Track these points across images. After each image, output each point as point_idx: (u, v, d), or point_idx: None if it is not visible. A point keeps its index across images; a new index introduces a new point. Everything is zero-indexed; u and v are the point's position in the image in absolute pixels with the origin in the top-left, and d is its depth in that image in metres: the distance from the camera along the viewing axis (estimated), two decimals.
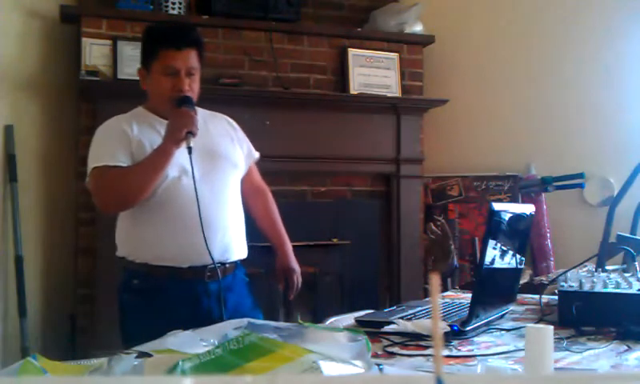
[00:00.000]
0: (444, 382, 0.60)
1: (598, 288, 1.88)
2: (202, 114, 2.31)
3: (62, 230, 3.76)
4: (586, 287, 1.89)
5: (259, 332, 1.33)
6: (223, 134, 2.35)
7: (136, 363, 1.29)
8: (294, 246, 2.50)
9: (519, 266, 2.01)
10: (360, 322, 1.89)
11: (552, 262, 4.14)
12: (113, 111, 2.34)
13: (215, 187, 2.22)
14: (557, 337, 1.46)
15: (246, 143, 2.42)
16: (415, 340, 1.68)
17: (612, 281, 1.95)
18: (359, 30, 4.20)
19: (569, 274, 2.07)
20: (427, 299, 2.58)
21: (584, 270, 2.21)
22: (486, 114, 4.42)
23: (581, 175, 4.08)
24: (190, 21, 3.69)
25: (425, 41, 4.27)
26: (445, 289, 3.16)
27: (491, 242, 1.74)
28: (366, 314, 2.01)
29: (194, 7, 3.86)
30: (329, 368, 1.16)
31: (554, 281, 2.57)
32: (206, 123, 2.31)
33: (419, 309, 2.01)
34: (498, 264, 1.81)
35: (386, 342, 1.68)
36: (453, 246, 3.89)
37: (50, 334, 3.70)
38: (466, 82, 4.44)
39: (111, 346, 2.11)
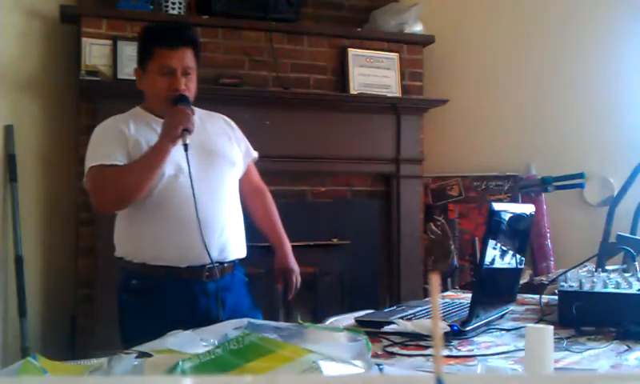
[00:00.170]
0: (444, 382, 0.60)
1: (598, 288, 1.88)
2: (199, 113, 2.32)
3: (62, 230, 3.76)
4: (586, 287, 1.89)
5: (259, 332, 1.33)
6: (221, 132, 2.35)
7: (136, 363, 1.29)
8: (293, 246, 2.50)
9: (519, 266, 2.01)
10: (360, 322, 1.89)
11: (552, 262, 4.14)
12: (113, 111, 2.34)
13: (212, 185, 2.22)
14: (557, 337, 1.46)
15: (244, 142, 2.42)
16: (415, 340, 1.68)
17: (612, 281, 1.95)
18: (359, 30, 4.20)
19: (569, 274, 2.07)
20: (427, 299, 2.58)
21: (584, 270, 2.21)
22: (486, 114, 4.42)
23: (581, 175, 4.08)
24: (190, 21, 3.69)
25: (425, 41, 4.27)
26: (445, 289, 3.16)
27: (491, 242, 1.74)
28: (366, 314, 2.01)
29: (194, 7, 3.86)
30: (329, 368, 1.16)
31: (553, 281, 2.57)
32: (203, 122, 2.31)
33: (419, 309, 2.01)
34: (498, 264, 1.81)
35: (386, 342, 1.68)
36: (453, 246, 3.89)
37: (49, 334, 3.70)
38: (466, 82, 4.44)
39: (111, 346, 2.11)
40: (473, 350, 1.62)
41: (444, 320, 1.80)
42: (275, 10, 3.88)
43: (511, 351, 1.60)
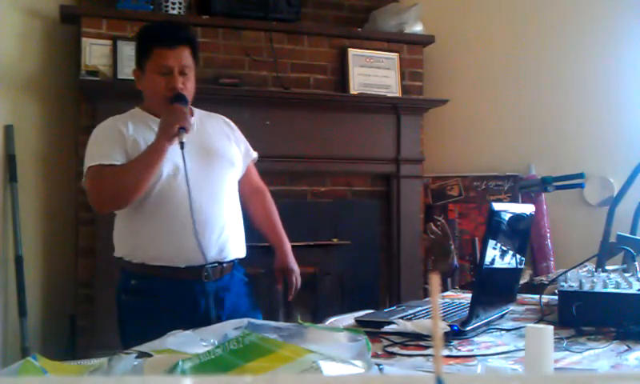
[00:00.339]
0: (444, 382, 0.60)
1: (598, 288, 1.88)
2: (198, 114, 2.33)
3: (62, 230, 3.76)
4: (586, 287, 1.89)
5: (259, 332, 1.33)
6: (220, 133, 2.35)
7: (136, 363, 1.29)
8: (294, 246, 2.49)
9: (519, 266, 2.01)
10: (360, 322, 1.89)
11: (552, 262, 4.14)
12: (113, 111, 2.34)
13: (211, 185, 2.22)
14: (557, 337, 1.46)
15: (244, 143, 2.42)
16: (415, 340, 1.68)
17: (612, 281, 1.95)
18: (359, 29, 4.20)
19: (569, 274, 2.07)
20: (427, 299, 2.58)
21: (584, 270, 2.21)
22: (486, 114, 4.42)
23: (581, 175, 4.08)
24: (190, 21, 3.69)
25: (425, 41, 4.27)
26: (445, 289, 3.16)
27: (491, 242, 1.74)
28: (366, 314, 2.01)
29: (194, 7, 3.87)
30: (329, 368, 1.16)
31: (554, 281, 2.58)
32: (203, 122, 2.32)
33: (419, 309, 2.01)
34: (498, 264, 1.81)
35: (386, 342, 1.68)
36: (453, 246, 3.89)
37: (49, 334, 3.70)
38: (465, 82, 4.44)
39: (111, 346, 2.11)
40: (473, 350, 1.62)
41: (444, 320, 1.80)
42: (275, 10, 3.88)
43: (511, 351, 1.59)
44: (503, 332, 1.81)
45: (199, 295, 2.18)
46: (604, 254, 2.43)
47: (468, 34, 4.44)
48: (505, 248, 1.82)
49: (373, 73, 4.10)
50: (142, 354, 1.38)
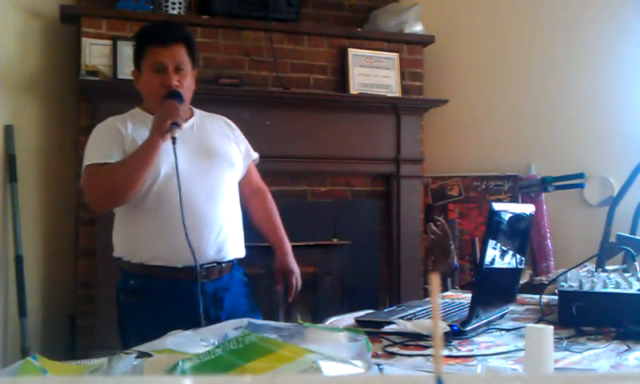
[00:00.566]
0: (444, 382, 0.60)
1: (598, 288, 1.88)
2: (198, 114, 2.34)
3: (62, 230, 3.76)
4: (586, 287, 1.89)
5: (259, 332, 1.33)
6: (220, 133, 2.35)
7: (136, 363, 1.29)
8: (294, 246, 2.49)
9: (519, 266, 2.01)
10: (360, 322, 1.89)
11: (552, 262, 4.14)
12: (113, 111, 2.34)
13: (210, 185, 2.22)
14: (557, 337, 1.46)
15: (244, 143, 2.42)
16: (415, 340, 1.68)
17: (612, 281, 1.95)
18: (359, 29, 4.20)
19: (569, 273, 2.07)
20: (427, 299, 2.58)
21: (584, 269, 2.21)
22: (486, 114, 4.42)
23: (581, 175, 4.08)
24: (190, 21, 3.69)
25: (425, 41, 4.27)
26: (445, 289, 3.16)
27: (491, 242, 1.74)
28: (366, 314, 2.01)
29: (194, 7, 3.87)
30: (329, 368, 1.16)
31: (554, 281, 2.57)
32: (203, 122, 2.32)
33: (419, 309, 2.01)
34: (498, 264, 1.81)
35: (385, 342, 1.68)
36: (453, 246, 3.89)
37: (49, 334, 3.70)
38: (466, 82, 4.44)
39: (111, 346, 2.12)
40: (473, 350, 1.62)
41: (444, 320, 1.80)
42: (275, 10, 3.88)
43: (511, 351, 1.59)
44: (503, 332, 1.81)
45: (198, 295, 2.18)
46: (604, 254, 2.43)
47: (468, 33, 4.44)
48: (505, 248, 1.82)
49: (373, 73, 4.10)
50: (142, 354, 1.37)
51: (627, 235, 2.59)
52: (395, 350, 1.62)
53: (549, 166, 4.25)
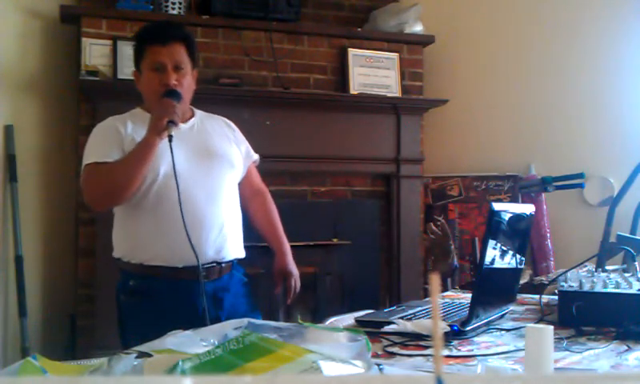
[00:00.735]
0: (444, 382, 0.60)
1: (598, 288, 1.88)
2: (199, 115, 2.34)
3: (62, 230, 3.76)
4: (586, 287, 1.89)
5: (259, 332, 1.33)
6: (221, 134, 2.35)
7: (136, 363, 1.29)
8: (294, 246, 2.49)
9: (519, 266, 2.01)
10: (360, 322, 1.89)
11: (552, 262, 4.14)
12: (113, 111, 2.34)
13: (210, 185, 2.22)
14: (557, 337, 1.46)
15: (245, 144, 2.42)
16: (415, 340, 1.68)
17: (612, 281, 1.95)
18: (359, 29, 4.20)
19: (569, 274, 2.07)
20: (427, 299, 2.58)
21: (584, 270, 2.21)
22: (486, 114, 4.42)
23: (581, 175, 4.08)
24: (190, 21, 3.69)
25: (425, 41, 4.27)
26: (445, 289, 3.16)
27: (491, 242, 1.74)
28: (366, 314, 2.01)
29: (194, 7, 3.87)
30: (329, 368, 1.16)
31: (553, 281, 2.57)
32: (204, 123, 2.32)
33: (419, 309, 2.01)
34: (498, 264, 1.81)
35: (385, 342, 1.68)
36: (453, 246, 3.89)
37: (49, 334, 3.70)
38: (466, 82, 4.44)
39: (111, 346, 2.12)
40: (473, 350, 1.62)
41: (444, 320, 1.80)
42: (275, 10, 3.88)
43: (511, 351, 1.59)
44: (503, 332, 1.81)
45: (198, 295, 2.17)
46: (604, 254, 2.43)
47: (468, 33, 4.44)
48: (505, 248, 1.82)
49: (373, 73, 4.10)
50: (142, 354, 1.38)
51: (627, 235, 2.59)
52: (395, 349, 1.62)
53: (549, 165, 4.25)
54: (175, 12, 3.71)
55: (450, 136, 4.43)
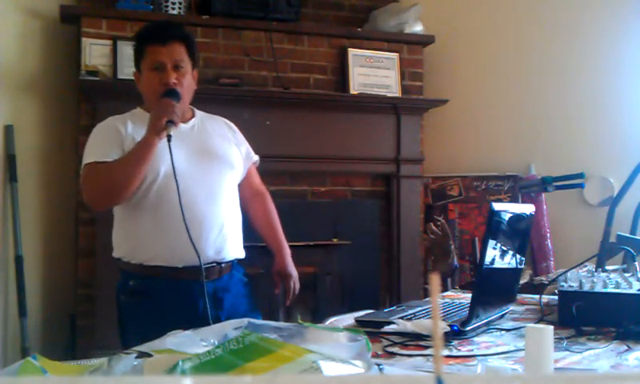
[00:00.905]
0: (444, 382, 0.60)
1: (598, 288, 1.88)
2: (200, 115, 2.34)
3: (62, 230, 3.76)
4: (586, 287, 1.89)
5: (259, 332, 1.33)
6: (221, 134, 2.35)
7: (136, 363, 1.29)
8: (294, 246, 2.49)
9: (519, 266, 2.01)
10: (360, 322, 1.89)
11: (552, 262, 4.14)
12: (113, 111, 2.34)
13: (210, 186, 2.22)
14: (557, 337, 1.46)
15: (245, 146, 2.42)
16: (415, 340, 1.68)
17: (612, 281, 1.95)
18: (359, 29, 4.20)
19: (569, 273, 2.07)
20: (427, 299, 2.58)
21: (584, 269, 2.21)
22: (486, 114, 4.42)
23: (581, 175, 4.08)
24: (190, 21, 3.69)
25: (425, 41, 4.27)
26: (445, 289, 3.16)
27: (491, 242, 1.74)
28: (366, 314, 2.01)
29: (194, 7, 3.87)
30: (329, 368, 1.16)
31: (553, 281, 2.58)
32: (204, 123, 2.32)
33: (419, 309, 2.01)
34: (498, 264, 1.81)
35: (385, 342, 1.68)
36: (453, 246, 3.89)
37: (49, 334, 3.70)
38: (466, 82, 4.44)
39: (111, 346, 2.12)
40: (473, 350, 1.62)
41: (444, 320, 1.80)
42: (275, 10, 3.88)
43: (511, 351, 1.59)
44: (503, 332, 1.81)
45: (198, 295, 2.17)
46: (604, 254, 2.43)
47: (468, 33, 4.44)
48: (505, 248, 1.82)
49: (373, 73, 4.10)
50: (142, 354, 1.38)
51: (627, 235, 2.59)
52: (395, 349, 1.62)
53: (549, 166, 4.25)
54: (175, 12, 3.71)
55: (450, 136, 4.43)
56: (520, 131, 4.36)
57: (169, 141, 2.08)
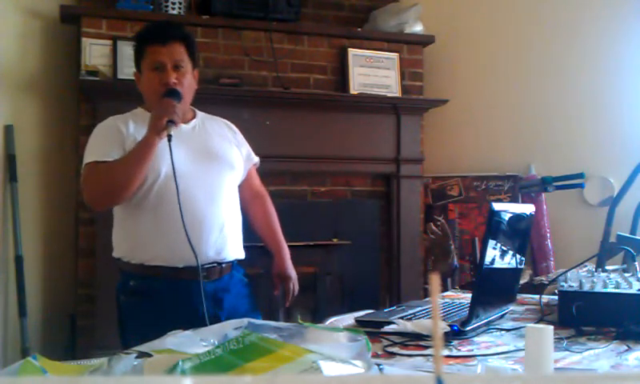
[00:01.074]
0: (444, 382, 0.60)
1: (598, 288, 1.88)
2: (201, 116, 2.35)
3: (62, 230, 3.76)
4: (586, 287, 1.89)
5: (259, 332, 1.33)
6: (221, 135, 2.35)
7: (136, 363, 1.29)
8: (294, 246, 2.49)
9: (519, 266, 2.01)
10: (360, 322, 1.89)
11: (552, 262, 4.14)
12: (113, 111, 2.34)
13: (209, 186, 2.22)
14: (557, 337, 1.46)
15: (246, 147, 2.42)
16: (415, 340, 1.68)
17: (612, 281, 1.95)
18: (359, 29, 4.20)
19: (569, 274, 2.07)
20: (427, 299, 2.58)
21: (584, 270, 2.21)
22: (486, 114, 4.42)
23: (581, 175, 4.08)
24: (190, 21, 3.69)
25: (425, 41, 4.27)
26: (445, 289, 3.16)
27: (491, 242, 1.74)
28: (366, 314, 2.01)
29: (194, 7, 3.87)
30: (329, 368, 1.16)
31: (553, 281, 2.57)
32: (205, 124, 2.33)
33: (419, 309, 2.01)
34: (498, 264, 1.81)
35: (385, 342, 1.68)
36: (453, 246, 3.89)
37: (49, 334, 3.70)
38: (466, 82, 4.44)
39: (111, 346, 2.12)
40: (473, 350, 1.62)
41: (444, 320, 1.80)
42: (275, 10, 3.88)
43: (511, 351, 1.59)
44: (503, 332, 1.81)
45: (198, 295, 2.17)
46: (604, 254, 2.43)
47: (468, 33, 4.44)
48: (505, 248, 1.82)
49: (373, 73, 4.10)
50: (142, 354, 1.38)
51: (627, 235, 2.59)
52: (395, 349, 1.62)
53: (549, 166, 4.25)
54: (175, 12, 3.71)
55: (450, 136, 4.43)
56: (520, 131, 4.36)
57: (169, 141, 2.09)
